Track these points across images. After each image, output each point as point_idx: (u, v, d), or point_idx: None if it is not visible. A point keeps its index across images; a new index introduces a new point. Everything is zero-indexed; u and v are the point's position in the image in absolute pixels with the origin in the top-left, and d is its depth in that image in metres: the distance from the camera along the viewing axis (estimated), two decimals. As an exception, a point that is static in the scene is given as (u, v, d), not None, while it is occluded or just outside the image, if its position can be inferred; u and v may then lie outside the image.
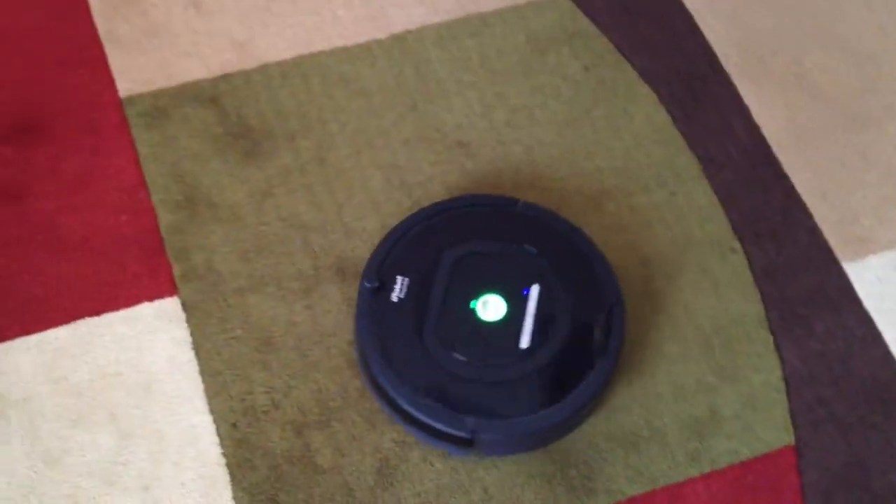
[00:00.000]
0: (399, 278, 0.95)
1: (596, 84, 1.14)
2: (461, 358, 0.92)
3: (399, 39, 1.15)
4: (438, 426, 0.90)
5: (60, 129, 1.07)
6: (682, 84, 1.14)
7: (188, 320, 0.97)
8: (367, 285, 0.95)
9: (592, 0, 1.18)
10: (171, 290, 0.99)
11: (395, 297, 0.94)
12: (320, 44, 1.14)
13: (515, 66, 1.14)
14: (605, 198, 1.07)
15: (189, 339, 0.97)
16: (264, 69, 1.12)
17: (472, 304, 0.94)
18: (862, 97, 1.15)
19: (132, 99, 1.08)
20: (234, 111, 1.09)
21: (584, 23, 1.17)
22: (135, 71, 1.10)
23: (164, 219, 1.03)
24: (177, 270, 1.00)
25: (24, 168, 1.04)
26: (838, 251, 1.06)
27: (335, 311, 0.99)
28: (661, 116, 1.13)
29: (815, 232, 1.07)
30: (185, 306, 0.98)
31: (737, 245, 1.06)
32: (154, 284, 0.99)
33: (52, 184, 1.04)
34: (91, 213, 1.02)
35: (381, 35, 1.15)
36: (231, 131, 1.08)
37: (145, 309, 0.98)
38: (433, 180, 1.07)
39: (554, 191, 1.07)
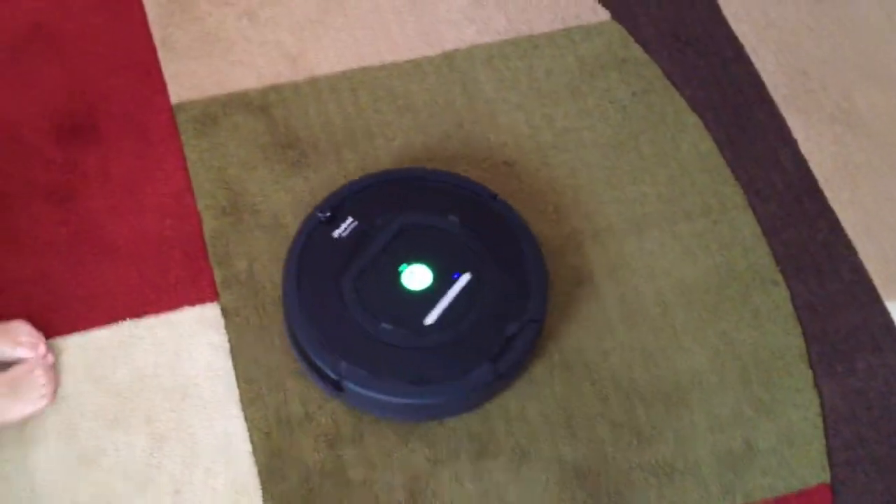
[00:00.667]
0: (349, 219, 0.96)
1: (644, 110, 1.14)
2: (365, 310, 0.93)
3: (449, 57, 1.15)
4: (315, 359, 0.92)
5: (111, 132, 1.08)
6: (730, 113, 1.14)
7: (227, 327, 0.98)
8: (319, 215, 0.97)
9: (643, 27, 1.18)
10: (213, 295, 0.99)
11: (337, 233, 0.96)
12: (371, 58, 1.15)
13: (563, 89, 1.14)
14: (648, 223, 1.07)
15: (227, 345, 0.97)
16: (314, 81, 1.12)
17: (400, 268, 0.94)
18: (913, 135, 1.14)
19: (183, 105, 1.10)
20: (283, 121, 1.10)
21: (635, 49, 1.17)
22: (187, 78, 1.12)
23: (209, 224, 1.03)
24: (218, 276, 1.00)
25: (73, 170, 1.06)
26: (882, 289, 1.05)
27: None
28: (708, 145, 1.12)
29: (858, 269, 1.06)
30: (225, 312, 0.99)
31: (779, 278, 1.05)
32: (195, 289, 1.00)
33: (99, 187, 1.05)
34: (137, 217, 1.03)
35: (432, 52, 1.15)
36: (279, 141, 1.09)
37: (186, 313, 0.98)
38: (476, 199, 1.07)
39: (597, 214, 1.07)
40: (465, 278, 0.94)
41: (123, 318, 0.98)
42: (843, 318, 1.03)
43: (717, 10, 1.20)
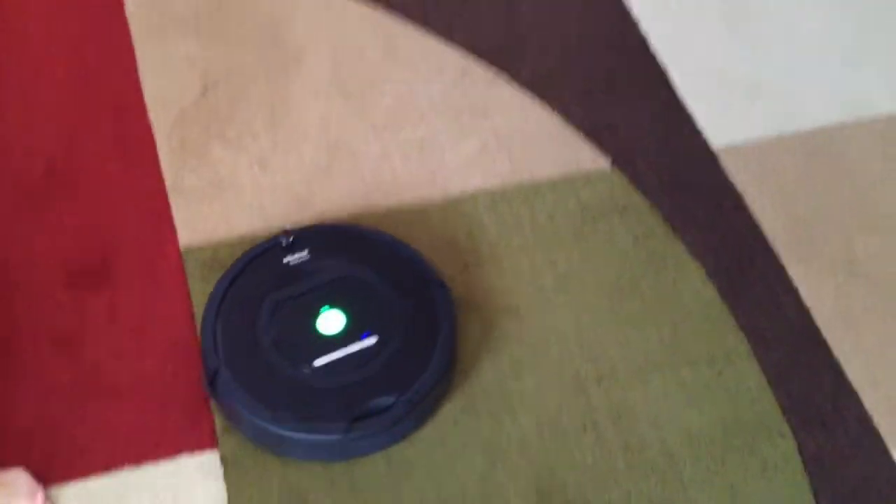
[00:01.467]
0: (305, 252, 1.03)
1: (645, 256, 1.15)
2: (269, 330, 0.99)
3: (453, 202, 1.18)
4: (204, 346, 0.99)
5: (119, 276, 1.09)
6: (731, 260, 1.15)
7: (226, 476, 0.96)
8: (281, 239, 1.04)
9: (643, 174, 1.21)
10: (212, 442, 0.98)
11: (287, 259, 1.02)
12: (378, 201, 1.17)
13: (566, 234, 1.16)
14: (652, 369, 1.06)
15: (225, 495, 0.95)
16: (321, 223, 1.14)
17: (322, 309, 1.00)
18: (913, 285, 1.15)
19: (192, 249, 1.11)
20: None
21: (635, 195, 1.19)
22: (197, 222, 1.13)
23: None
24: (218, 423, 0.99)
25: (80, 314, 1.06)
26: (888, 440, 1.04)
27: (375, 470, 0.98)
28: (710, 292, 1.13)
29: (865, 420, 1.05)
30: (224, 461, 0.97)
31: (786, 429, 1.04)
32: (195, 437, 0.98)
33: (105, 331, 1.05)
34: (140, 362, 1.03)
35: (437, 196, 1.18)
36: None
37: (184, 461, 0.97)
38: (479, 344, 1.07)
39: (601, 358, 1.07)
40: (371, 340, 0.99)
41: (122, 466, 0.96)
42: (851, 471, 1.01)
43: (715, 161, 1.23)
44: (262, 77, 1.26)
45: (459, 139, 1.23)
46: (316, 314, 1.00)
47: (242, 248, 1.11)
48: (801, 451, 1.02)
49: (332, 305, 1.01)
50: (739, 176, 1.22)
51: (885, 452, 1.03)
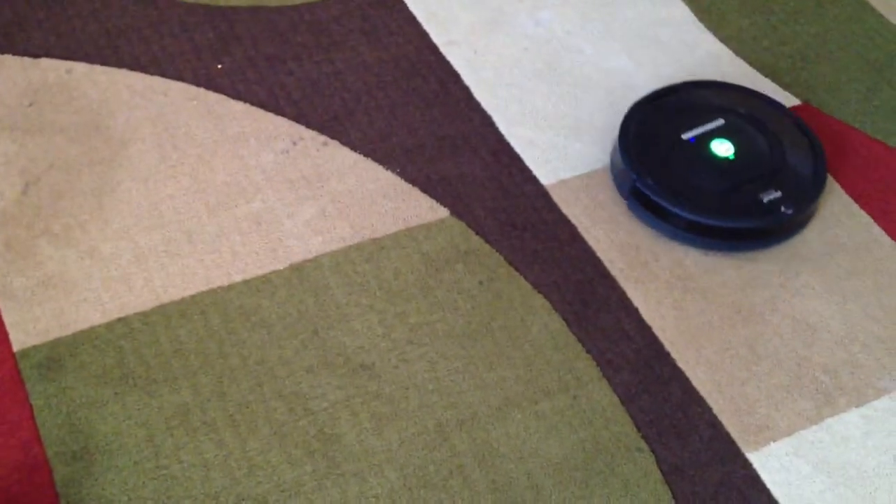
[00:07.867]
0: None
1: (492, 297, 1.18)
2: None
3: (297, 269, 1.18)
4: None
5: (-50, 388, 1.05)
6: (573, 291, 1.19)
7: (86, 581, 0.93)
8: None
9: (481, 220, 1.24)
10: (68, 548, 0.94)
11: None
12: (219, 280, 1.16)
13: (413, 286, 1.18)
14: (511, 405, 1.08)
15: None
16: (163, 309, 1.12)
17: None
18: (743, 291, 1.21)
19: (26, 351, 1.07)
20: (133, 353, 1.08)
21: (475, 240, 1.22)
22: (29, 323, 1.10)
23: (60, 472, 0.99)
24: (73, 527, 0.96)
25: None
26: (740, 442, 1.08)
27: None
28: (557, 324, 1.16)
29: (715, 424, 1.09)
30: (83, 565, 0.94)
31: (643, 444, 1.07)
32: (49, 544, 0.94)
33: (-61, 447, 1.00)
34: (-19, 475, 0.98)
35: (280, 266, 1.18)
36: (129, 373, 1.07)
37: (39, 572, 0.93)
38: (337, 405, 1.07)
39: (460, 403, 1.08)
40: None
41: (-31, 589, 0.91)
42: (709, 476, 1.05)
43: (547, 198, 1.27)
44: (86, 167, 1.24)
45: (297, 207, 1.24)
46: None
47: (80, 343, 1.08)
48: (659, 464, 1.06)
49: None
50: (571, 210, 1.27)
51: (738, 453, 1.07)
